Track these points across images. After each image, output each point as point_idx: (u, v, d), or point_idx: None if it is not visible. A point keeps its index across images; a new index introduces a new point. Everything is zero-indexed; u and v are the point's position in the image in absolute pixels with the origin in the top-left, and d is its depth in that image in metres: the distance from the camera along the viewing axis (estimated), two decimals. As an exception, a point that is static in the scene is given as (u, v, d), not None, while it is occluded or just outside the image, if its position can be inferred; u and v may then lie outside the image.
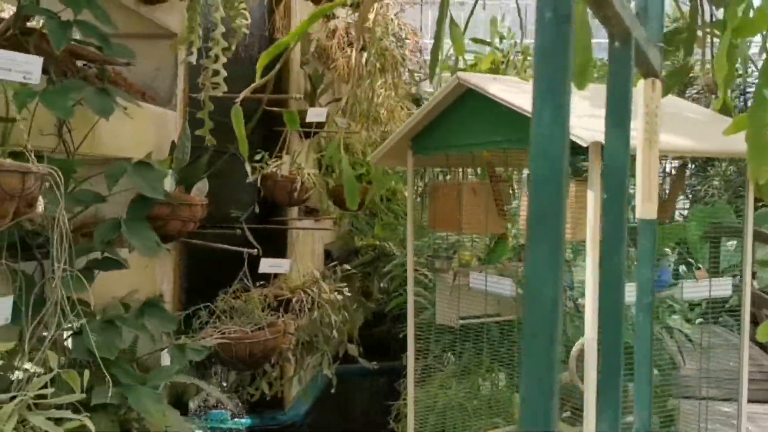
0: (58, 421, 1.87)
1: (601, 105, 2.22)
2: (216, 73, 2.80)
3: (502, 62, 7.79)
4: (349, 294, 4.41)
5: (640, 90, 1.38)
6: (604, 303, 1.07)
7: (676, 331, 5.07)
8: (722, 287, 2.80)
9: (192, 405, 5.20)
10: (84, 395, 1.96)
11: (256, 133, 4.67)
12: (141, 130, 3.21)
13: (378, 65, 4.97)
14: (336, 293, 4.23)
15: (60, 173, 1.92)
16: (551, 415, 0.69)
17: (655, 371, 3.98)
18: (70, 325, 2.08)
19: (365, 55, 4.90)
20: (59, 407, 2.01)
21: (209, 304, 3.57)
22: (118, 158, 2.98)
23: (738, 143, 2.15)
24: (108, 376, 2.12)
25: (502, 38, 8.02)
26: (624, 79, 1.04)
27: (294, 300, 4.04)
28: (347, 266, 5.02)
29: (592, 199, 2.09)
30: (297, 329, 4.13)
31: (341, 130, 3.76)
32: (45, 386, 2.04)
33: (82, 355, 2.36)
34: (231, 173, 4.07)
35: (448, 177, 4.04)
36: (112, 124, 2.95)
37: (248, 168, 3.04)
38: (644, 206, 1.38)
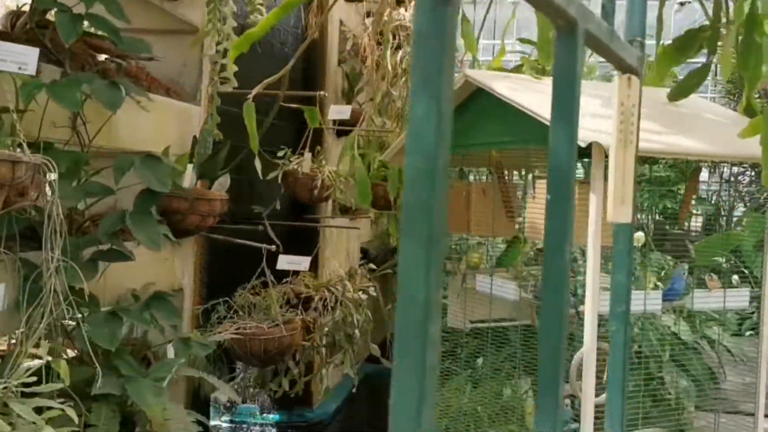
0: (46, 410, 1.88)
1: (612, 105, 2.13)
2: (225, 67, 2.80)
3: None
4: (374, 294, 4.38)
5: (615, 86, 1.32)
6: (546, 307, 1.01)
7: (717, 343, 4.89)
8: (738, 298, 2.68)
9: (222, 399, 5.26)
10: (63, 384, 1.97)
11: (285, 130, 4.69)
12: (162, 125, 3.24)
13: (413, 63, 4.92)
14: (360, 292, 4.21)
15: (53, 163, 1.93)
16: (422, 424, 0.64)
17: (684, 383, 3.84)
18: (67, 315, 2.09)
19: (400, 53, 4.86)
20: (51, 396, 2.03)
21: (228, 299, 3.58)
22: (137, 152, 3.01)
23: (757, 147, 2.05)
24: (98, 367, 2.13)
25: (551, 39, 7.90)
26: (568, 73, 0.98)
27: (317, 298, 4.03)
28: (373, 265, 4.99)
29: (594, 202, 2.01)
30: (318, 327, 4.12)
31: (357, 128, 3.72)
32: (40, 374, 2.06)
33: (84, 345, 2.38)
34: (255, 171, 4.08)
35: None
36: (130, 117, 2.98)
37: (258, 165, 3.03)
38: (617, 209, 1.31)
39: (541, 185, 2.40)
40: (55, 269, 1.95)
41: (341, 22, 5.38)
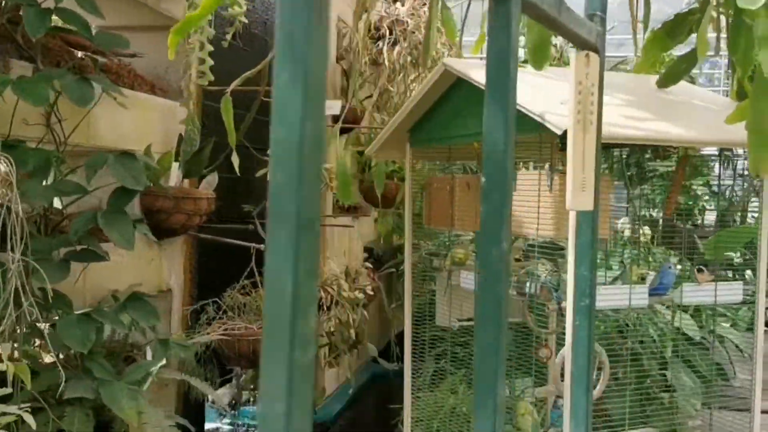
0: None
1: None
2: (201, 61, 2.73)
3: (556, 57, 7.66)
4: (371, 293, 4.30)
5: (573, 64, 1.23)
6: (482, 302, 0.93)
7: (726, 339, 4.76)
8: (731, 292, 2.57)
9: (225, 400, 5.21)
10: (9, 389, 1.91)
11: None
12: (145, 122, 3.18)
13: (410, 59, 4.86)
14: (357, 291, 4.13)
15: (11, 160, 1.87)
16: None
17: (689, 381, 3.73)
18: (30, 318, 2.03)
19: (397, 48, 4.79)
20: (16, 401, 1.97)
21: (217, 299, 3.52)
22: (119, 150, 2.95)
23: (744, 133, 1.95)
24: (61, 370, 2.07)
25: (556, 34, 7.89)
26: (502, 47, 0.90)
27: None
28: (368, 264, 4.91)
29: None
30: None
31: (336, 123, 3.64)
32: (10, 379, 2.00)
33: (56, 348, 2.33)
34: (250, 168, 4.02)
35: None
36: (110, 115, 2.92)
37: (235, 161, 2.96)
38: (576, 197, 1.23)
39: (521, 177, 2.32)
40: (17, 270, 1.89)
41: (338, 18, 5.30)
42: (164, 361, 2.65)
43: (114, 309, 2.50)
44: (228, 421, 5.45)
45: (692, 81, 8.46)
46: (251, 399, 5.07)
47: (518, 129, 2.26)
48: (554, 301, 2.24)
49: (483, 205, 0.94)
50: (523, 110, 2.00)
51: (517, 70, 0.94)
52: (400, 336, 5.59)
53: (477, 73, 2.37)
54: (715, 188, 7.23)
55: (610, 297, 2.22)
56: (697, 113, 2.49)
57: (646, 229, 4.89)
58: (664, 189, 6.61)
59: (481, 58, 3.40)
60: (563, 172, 2.18)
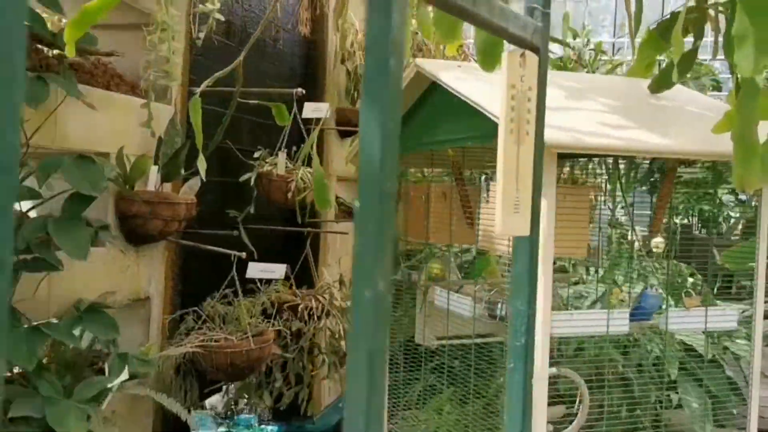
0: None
1: (580, 97, 1.84)
2: (166, 60, 2.59)
3: (572, 60, 7.48)
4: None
5: (504, 65, 1.06)
6: (352, 356, 0.76)
7: (742, 359, 4.56)
8: (724, 318, 2.35)
9: (220, 408, 5.09)
10: None
11: (278, 129, 4.48)
12: (122, 124, 3.05)
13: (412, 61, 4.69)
14: (350, 301, 3.97)
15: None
16: None
17: (692, 404, 3.53)
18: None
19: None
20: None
21: (197, 308, 3.38)
22: (92, 153, 2.82)
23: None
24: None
25: (575, 36, 7.74)
26: (380, 37, 0.74)
27: (301, 307, 3.81)
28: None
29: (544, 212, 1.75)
30: (308, 337, 3.91)
31: (319, 124, 3.48)
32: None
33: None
34: (241, 172, 3.89)
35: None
36: (80, 116, 2.79)
37: (201, 164, 2.80)
38: (507, 219, 1.05)
39: (494, 190, 2.14)
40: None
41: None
42: (125, 376, 2.51)
43: (66, 322, 2.36)
44: (224, 429, 5.32)
45: (718, 86, 8.18)
46: (247, 407, 4.94)
47: (489, 136, 2.08)
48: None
49: (356, 236, 0.77)
50: (491, 116, 1.82)
51: (401, 68, 0.78)
52: (404, 345, 5.43)
53: (447, 74, 2.20)
54: (741, 196, 6.99)
55: (587, 323, 2.03)
56: (689, 121, 2.29)
57: (659, 240, 4.66)
58: (687, 197, 6.36)
59: (458, 57, 3.24)
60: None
